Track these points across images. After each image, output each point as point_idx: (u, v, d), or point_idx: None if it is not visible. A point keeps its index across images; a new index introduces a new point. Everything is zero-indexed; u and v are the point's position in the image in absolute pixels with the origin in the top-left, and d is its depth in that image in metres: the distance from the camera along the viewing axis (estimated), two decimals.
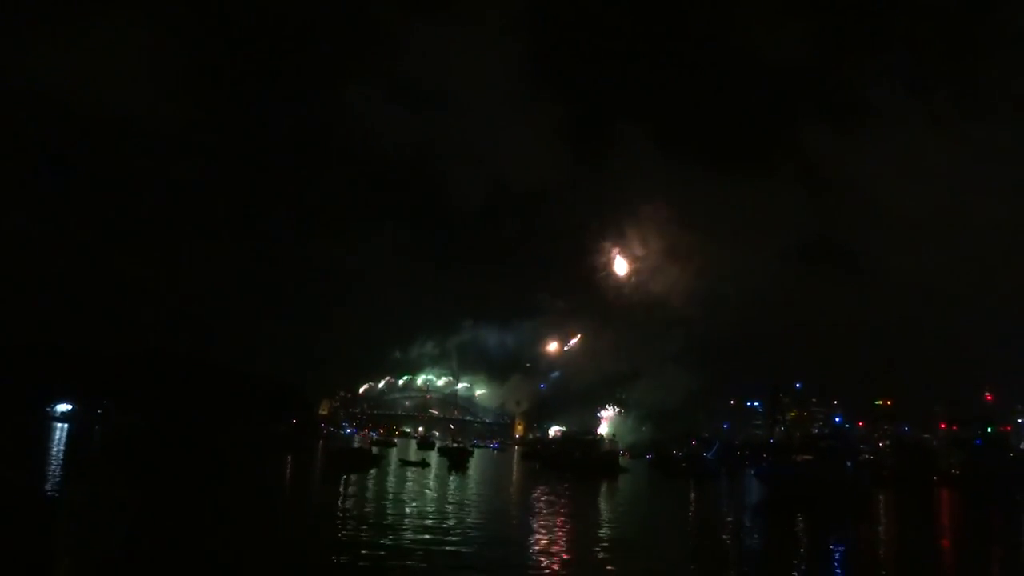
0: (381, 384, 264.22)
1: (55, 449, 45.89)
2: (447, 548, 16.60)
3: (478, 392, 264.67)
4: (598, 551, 18.41)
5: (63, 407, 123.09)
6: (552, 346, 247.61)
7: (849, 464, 49.23)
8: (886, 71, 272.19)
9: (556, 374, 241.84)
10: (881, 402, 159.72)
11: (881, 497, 49.70)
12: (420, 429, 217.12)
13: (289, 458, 53.59)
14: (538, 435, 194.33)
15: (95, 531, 14.41)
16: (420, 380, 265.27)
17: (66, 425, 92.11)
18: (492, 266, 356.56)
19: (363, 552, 15.60)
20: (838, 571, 18.54)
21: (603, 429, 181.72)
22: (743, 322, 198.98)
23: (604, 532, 22.37)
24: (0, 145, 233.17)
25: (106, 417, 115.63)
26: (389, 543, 16.76)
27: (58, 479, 27.05)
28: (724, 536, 24.39)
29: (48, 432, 69.42)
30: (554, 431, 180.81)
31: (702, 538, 24.37)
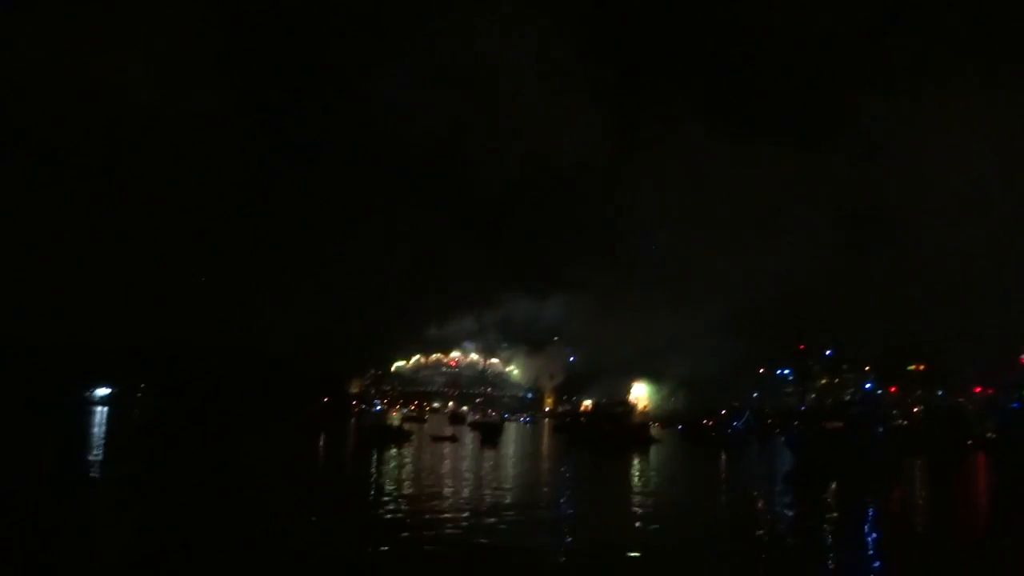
0: (412, 361, 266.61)
1: (94, 432, 47.14)
2: (478, 524, 16.83)
3: (509, 366, 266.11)
4: (635, 523, 18.59)
5: (102, 391, 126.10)
6: (586, 319, 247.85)
7: (881, 430, 48.87)
8: (943, 34, 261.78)
9: (583, 348, 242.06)
10: (914, 367, 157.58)
11: (914, 463, 49.34)
12: (451, 404, 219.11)
13: (322, 437, 54.47)
14: (567, 408, 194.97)
15: (132, 509, 14.91)
16: (451, 356, 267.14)
17: (105, 408, 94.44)
18: (530, 240, 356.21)
19: (393, 527, 15.93)
20: (869, 537, 18.55)
21: (635, 398, 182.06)
22: (780, 290, 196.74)
23: (637, 503, 22.54)
24: (28, 136, 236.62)
25: (144, 401, 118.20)
26: (416, 516, 17.08)
27: (97, 460, 27.84)
28: (755, 502, 24.50)
29: (87, 415, 71.25)
30: (585, 404, 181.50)
31: (733, 506, 24.48)
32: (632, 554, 13.82)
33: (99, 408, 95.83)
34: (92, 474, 22.63)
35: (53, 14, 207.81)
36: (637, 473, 34.73)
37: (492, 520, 16.43)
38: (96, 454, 30.66)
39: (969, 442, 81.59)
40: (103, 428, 51.43)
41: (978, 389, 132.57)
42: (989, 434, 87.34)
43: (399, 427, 54.67)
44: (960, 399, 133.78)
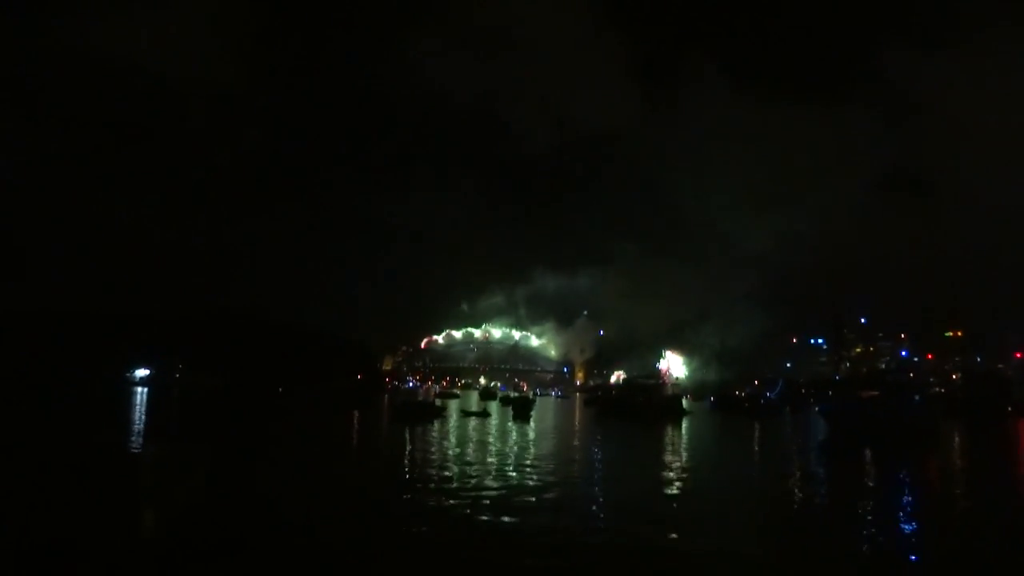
0: (442, 337, 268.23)
1: (136, 410, 48.26)
2: (510, 502, 16.95)
3: (540, 341, 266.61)
4: (666, 495, 18.63)
5: (142, 372, 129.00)
6: (616, 292, 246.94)
7: (917, 398, 48.20)
8: None
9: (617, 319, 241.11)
10: (951, 333, 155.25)
11: (953, 430, 48.67)
12: (482, 380, 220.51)
13: (356, 413, 55.15)
14: (598, 382, 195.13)
15: (174, 483, 15.26)
16: (482, 331, 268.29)
17: (145, 388, 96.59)
18: (559, 213, 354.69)
19: (430, 497, 16.13)
20: (905, 504, 18.37)
21: (667, 369, 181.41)
22: (812, 258, 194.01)
23: (669, 477, 22.55)
24: (64, 114, 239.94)
25: (182, 380, 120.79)
26: (449, 495, 17.26)
27: (139, 437, 28.54)
28: (789, 471, 24.37)
29: (129, 395, 72.96)
30: (615, 376, 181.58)
31: (766, 476, 24.39)
32: (662, 526, 13.83)
33: (139, 388, 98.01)
34: (134, 450, 23.22)
35: None
36: (669, 445, 34.71)
37: (525, 498, 16.47)
38: (137, 431, 31.41)
39: (1010, 407, 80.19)
40: (143, 406, 52.63)
41: (1018, 355, 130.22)
42: None
43: (431, 403, 55.17)
44: (999, 365, 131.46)
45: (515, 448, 28.76)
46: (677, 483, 19.70)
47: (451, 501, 15.32)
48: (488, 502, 15.19)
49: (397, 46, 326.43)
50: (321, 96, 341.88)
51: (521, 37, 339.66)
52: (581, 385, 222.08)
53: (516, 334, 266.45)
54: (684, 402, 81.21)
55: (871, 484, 22.06)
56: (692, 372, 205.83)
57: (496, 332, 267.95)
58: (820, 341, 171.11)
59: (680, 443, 35.94)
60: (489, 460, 23.64)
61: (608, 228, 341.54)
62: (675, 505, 16.27)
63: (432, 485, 17.67)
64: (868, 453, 31.93)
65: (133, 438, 28.00)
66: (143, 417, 42.14)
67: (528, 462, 23.15)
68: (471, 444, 30.03)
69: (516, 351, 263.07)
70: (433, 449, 27.46)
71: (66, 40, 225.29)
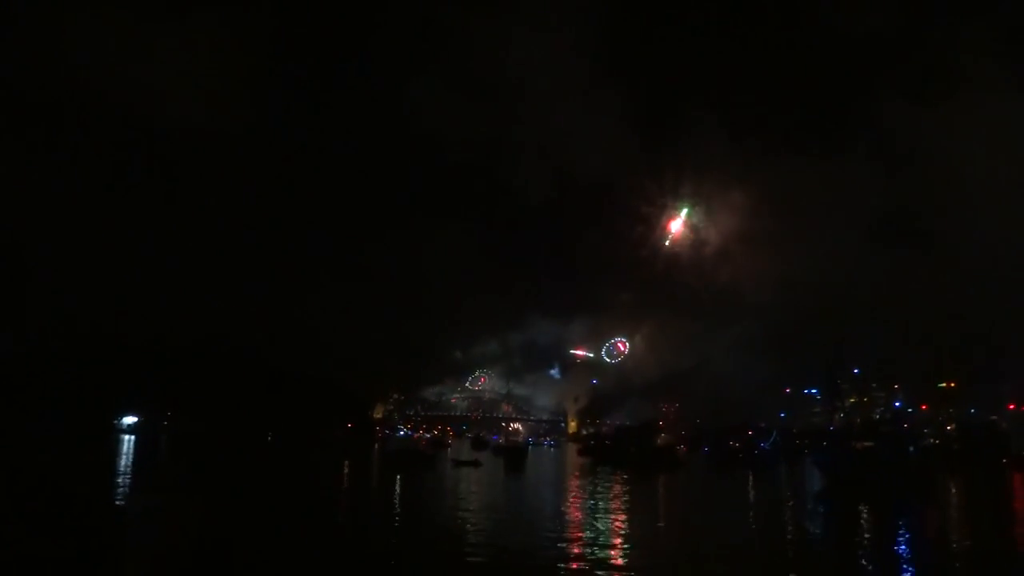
0: (435, 386, 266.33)
1: (123, 460, 47.50)
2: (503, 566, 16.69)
3: (533, 390, 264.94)
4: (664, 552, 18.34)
5: (130, 419, 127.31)
6: (610, 341, 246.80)
7: (912, 449, 48.00)
8: (973, 38, 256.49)
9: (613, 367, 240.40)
10: (945, 384, 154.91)
11: (948, 482, 48.28)
12: (475, 430, 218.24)
13: (346, 462, 54.41)
14: (591, 431, 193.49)
15: (162, 537, 14.93)
16: (474, 379, 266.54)
17: (133, 437, 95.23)
18: (555, 262, 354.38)
19: (416, 555, 15.84)
20: (902, 558, 18.10)
21: (661, 418, 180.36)
22: (808, 307, 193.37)
23: (664, 531, 22.24)
24: (64, 154, 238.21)
25: (171, 427, 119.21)
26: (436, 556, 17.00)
27: (126, 489, 28.03)
28: (785, 523, 24.05)
29: (117, 444, 71.87)
30: (607, 426, 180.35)
31: (763, 529, 24.07)
32: None
33: (127, 437, 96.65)
34: (119, 503, 22.78)
35: (84, 30, 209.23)
36: (664, 498, 34.28)
37: (523, 563, 16.12)
38: (124, 483, 30.87)
39: (1005, 460, 79.62)
40: (131, 457, 51.83)
41: (1012, 405, 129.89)
42: None
43: (423, 452, 54.48)
44: (993, 416, 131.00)
45: (509, 505, 28.29)
46: (672, 544, 19.37)
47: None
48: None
49: (393, 95, 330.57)
50: (315, 144, 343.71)
51: (519, 86, 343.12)
52: (573, 434, 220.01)
53: (509, 383, 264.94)
54: (678, 452, 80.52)
55: (866, 538, 21.73)
56: (686, 421, 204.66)
57: (489, 380, 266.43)
58: (814, 391, 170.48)
59: (675, 498, 35.46)
60: (485, 518, 23.20)
61: (604, 276, 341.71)
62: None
63: (419, 554, 17.33)
64: (864, 505, 31.54)
65: (120, 490, 27.51)
66: (131, 467, 41.49)
67: (523, 521, 22.73)
68: (463, 500, 29.54)
69: (509, 399, 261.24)
70: (423, 502, 27.04)
71: (69, 72, 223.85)
